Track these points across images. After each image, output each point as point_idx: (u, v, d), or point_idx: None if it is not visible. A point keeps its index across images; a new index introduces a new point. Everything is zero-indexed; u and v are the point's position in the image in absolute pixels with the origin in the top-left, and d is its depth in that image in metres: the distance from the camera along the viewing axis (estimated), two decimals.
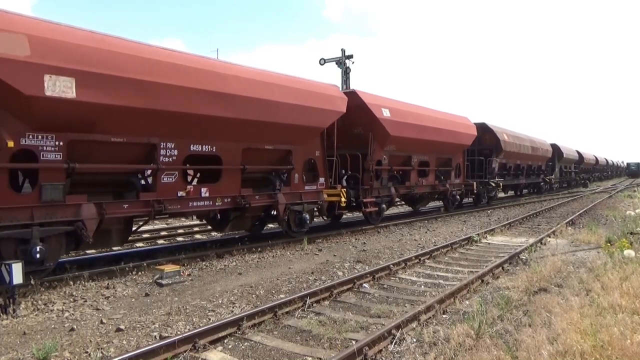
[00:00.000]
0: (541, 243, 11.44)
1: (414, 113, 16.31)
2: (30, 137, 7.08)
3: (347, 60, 26.81)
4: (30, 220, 7.11)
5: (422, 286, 7.79)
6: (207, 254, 9.89)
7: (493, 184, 22.47)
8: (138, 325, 5.78)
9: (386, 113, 14.38)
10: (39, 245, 7.06)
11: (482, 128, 21.95)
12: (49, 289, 7.30)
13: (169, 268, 8.09)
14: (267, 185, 11.51)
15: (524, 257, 9.67)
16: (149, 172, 9.07)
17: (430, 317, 5.96)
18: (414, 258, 9.47)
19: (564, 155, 37.09)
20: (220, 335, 5.29)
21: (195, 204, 9.48)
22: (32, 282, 7.17)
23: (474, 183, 20.91)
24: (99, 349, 5.03)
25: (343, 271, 8.81)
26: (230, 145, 9.93)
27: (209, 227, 12.87)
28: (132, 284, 7.84)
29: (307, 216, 12.09)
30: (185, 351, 4.87)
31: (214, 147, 9.64)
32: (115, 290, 7.39)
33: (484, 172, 22.08)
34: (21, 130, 6.97)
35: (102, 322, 5.86)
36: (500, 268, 8.70)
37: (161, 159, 8.76)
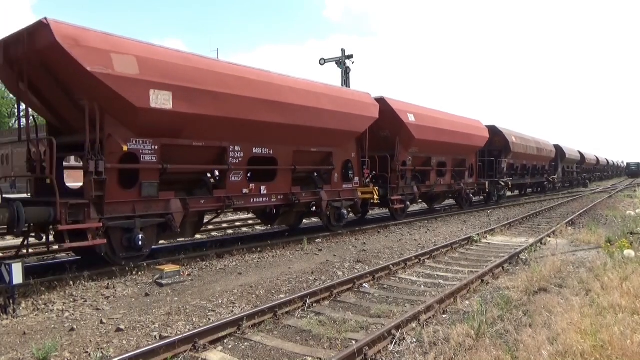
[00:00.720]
0: (541, 243, 11.44)
1: (434, 117, 17.57)
2: (134, 142, 8.40)
3: (347, 60, 26.86)
4: (133, 212, 8.47)
5: (422, 286, 7.79)
6: (207, 254, 9.89)
7: (502, 183, 23.68)
8: (138, 325, 5.78)
9: (411, 118, 15.77)
10: (140, 234, 8.45)
11: (492, 130, 23.09)
12: (49, 289, 7.30)
13: (169, 268, 8.09)
14: (310, 183, 12.88)
15: (524, 257, 9.67)
16: (217, 172, 10.49)
17: (430, 317, 5.96)
18: (414, 258, 9.47)
19: (567, 156, 38.26)
20: (220, 335, 5.29)
21: (255, 200, 10.88)
22: (32, 282, 7.18)
23: (487, 182, 22.05)
24: (99, 349, 5.03)
25: (343, 271, 8.81)
26: (284, 148, 11.34)
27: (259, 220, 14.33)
28: (132, 284, 7.84)
29: (345, 212, 13.50)
30: (185, 351, 4.87)
31: (271, 150, 11.05)
32: (115, 290, 7.39)
33: (494, 172, 23.25)
34: (128, 137, 8.29)
35: (102, 322, 5.86)
36: (500, 268, 8.70)
37: (230, 160, 10.10)
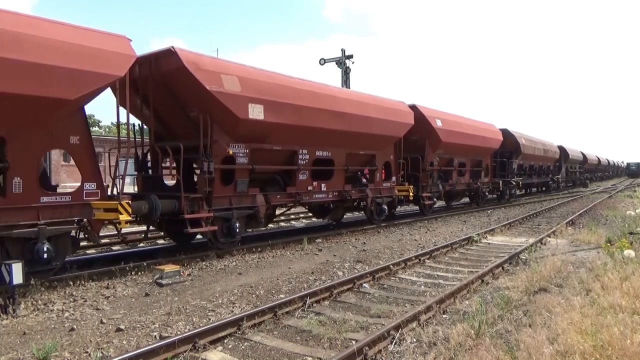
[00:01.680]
0: (541, 243, 11.44)
1: (458, 122, 19.38)
2: (233, 146, 10.15)
3: (347, 60, 26.83)
4: (230, 205, 10.23)
5: (422, 286, 7.79)
6: (207, 254, 9.89)
7: (514, 183, 25.51)
8: (138, 325, 5.77)
9: (439, 123, 17.54)
10: (237, 223, 10.22)
11: (505, 133, 24.81)
12: (49, 289, 7.30)
13: (169, 268, 8.09)
14: (356, 182, 14.79)
15: (524, 257, 9.67)
16: (287, 172, 12.20)
17: (430, 317, 5.96)
18: (414, 258, 9.47)
19: (570, 157, 39.77)
20: (220, 335, 5.29)
21: (317, 195, 12.67)
22: (32, 281, 7.17)
23: (500, 181, 23.89)
24: (99, 349, 5.03)
25: (343, 271, 8.81)
26: (339, 151, 13.17)
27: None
28: (132, 284, 7.84)
29: (385, 207, 15.23)
30: (185, 351, 4.87)
31: (330, 153, 12.85)
32: (115, 290, 7.39)
33: (506, 172, 24.86)
34: (229, 142, 10.08)
35: (102, 322, 5.85)
36: (500, 268, 8.70)
37: (299, 161, 11.91)
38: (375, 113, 13.98)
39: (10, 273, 6.23)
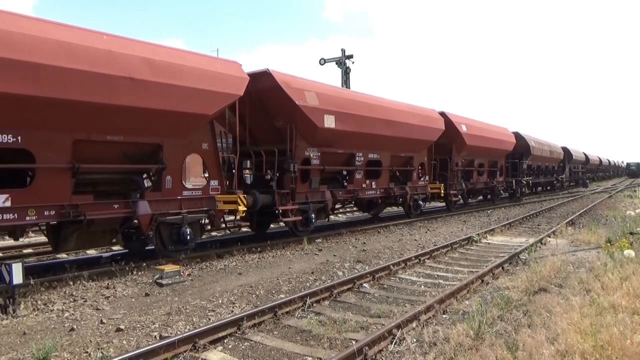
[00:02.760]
0: (541, 243, 11.44)
1: (479, 127, 21.38)
2: (308, 150, 12.19)
3: (347, 60, 26.81)
4: (306, 199, 12.25)
5: (422, 286, 7.79)
6: (207, 254, 9.89)
7: (524, 182, 27.34)
8: (138, 325, 5.77)
9: (464, 128, 19.57)
10: (313, 214, 12.41)
11: (516, 136, 26.53)
12: (49, 289, 7.30)
13: (169, 268, 8.09)
14: (397, 181, 16.54)
15: (524, 257, 9.67)
16: (345, 171, 14.36)
17: (430, 317, 5.96)
18: (414, 258, 9.47)
19: (573, 157, 41.73)
20: (220, 335, 5.29)
21: (368, 192, 14.71)
22: (32, 282, 7.18)
23: (513, 181, 25.84)
24: (99, 349, 5.03)
25: (343, 271, 8.81)
26: (386, 153, 15.31)
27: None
28: (132, 284, 7.84)
29: (421, 203, 17.60)
30: (185, 351, 4.87)
31: (378, 155, 14.96)
32: (115, 290, 7.39)
33: (517, 172, 26.74)
34: (306, 147, 12.13)
35: (102, 322, 5.85)
36: (500, 268, 8.70)
37: (356, 163, 14.01)
38: (414, 120, 16.09)
39: (10, 273, 6.22)
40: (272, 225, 14.01)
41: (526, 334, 4.92)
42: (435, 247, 10.68)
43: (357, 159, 14.04)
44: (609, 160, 74.84)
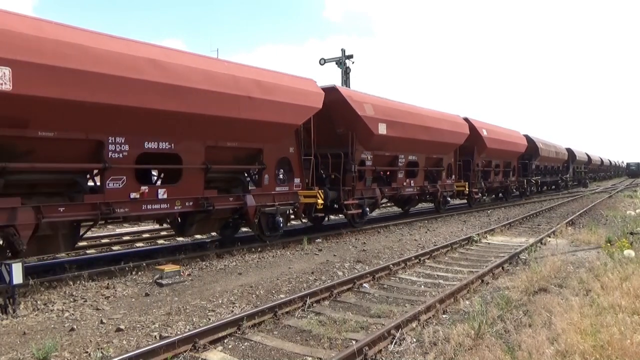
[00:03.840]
0: (541, 243, 11.44)
1: (497, 131, 23.65)
2: (364, 153, 14.29)
3: (347, 60, 26.77)
4: (362, 195, 14.32)
5: (422, 286, 7.79)
6: (207, 254, 9.89)
7: (534, 181, 29.60)
8: (138, 325, 5.77)
9: (485, 132, 21.74)
10: (367, 208, 14.58)
11: (526, 138, 28.54)
12: (49, 289, 7.30)
13: (169, 268, 8.09)
14: (428, 179, 18.30)
15: (524, 257, 9.67)
16: (389, 172, 16.55)
17: (430, 317, 5.96)
18: (414, 258, 9.47)
19: (577, 158, 43.88)
20: (220, 335, 5.29)
21: (407, 190, 16.80)
22: (32, 282, 7.18)
23: (525, 180, 28.03)
24: (99, 349, 5.03)
25: (343, 271, 8.81)
26: (422, 155, 17.42)
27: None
28: (132, 284, 7.84)
29: (450, 199, 19.80)
30: (185, 351, 4.87)
31: (416, 157, 17.05)
32: (115, 290, 7.39)
33: (527, 172, 28.78)
34: (362, 150, 14.18)
35: (102, 322, 5.85)
36: (500, 268, 8.70)
37: (399, 163, 16.11)
38: (445, 125, 18.15)
39: (10, 273, 6.22)
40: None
41: (526, 334, 4.92)
42: (435, 247, 10.68)
43: (399, 160, 16.07)
44: (609, 161, 76.54)
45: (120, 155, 8.21)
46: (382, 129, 14.20)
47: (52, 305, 6.55)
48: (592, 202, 24.58)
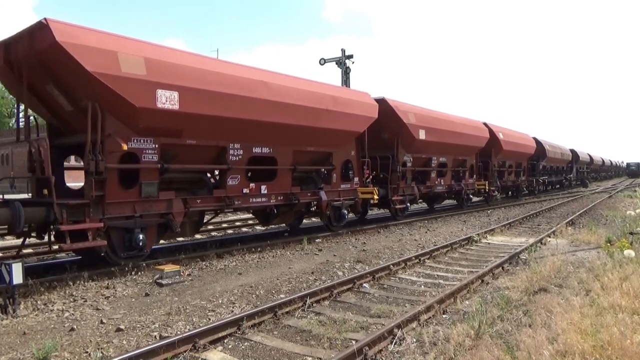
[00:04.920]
0: (541, 243, 11.44)
1: (511, 134, 26.13)
2: (406, 156, 16.39)
3: (347, 60, 26.77)
4: (404, 193, 16.55)
5: (422, 286, 7.79)
6: (207, 254, 9.89)
7: (541, 181, 32.43)
8: (138, 325, 5.78)
9: (501, 136, 24.10)
10: (408, 203, 16.97)
11: (535, 141, 30.73)
12: (49, 289, 7.30)
13: (169, 268, 8.09)
14: (454, 179, 20.45)
15: (524, 257, 9.67)
16: (444, 170, 19.29)
17: (430, 317, 5.96)
18: (414, 258, 9.47)
19: (580, 159, 46.32)
20: (220, 335, 5.29)
21: (438, 188, 19.15)
22: (31, 282, 7.18)
23: (534, 180, 30.62)
24: (99, 349, 5.03)
25: (343, 271, 8.81)
26: (450, 157, 19.55)
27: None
28: (132, 284, 7.84)
29: (472, 196, 22.42)
30: (185, 351, 4.87)
31: (446, 159, 19.42)
32: (115, 290, 7.39)
33: (535, 172, 31.19)
34: (404, 153, 16.30)
35: (102, 322, 5.86)
36: (500, 268, 8.70)
37: (432, 164, 18.33)
38: (469, 130, 20.51)
39: (10, 273, 6.22)
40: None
41: (526, 334, 4.91)
42: (435, 247, 10.68)
43: (432, 161, 18.17)
44: (610, 161, 78.62)
45: (237, 158, 10.31)
46: (422, 135, 16.44)
47: (52, 305, 6.56)
48: (592, 202, 24.58)
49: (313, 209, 13.09)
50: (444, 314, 6.20)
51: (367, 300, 6.98)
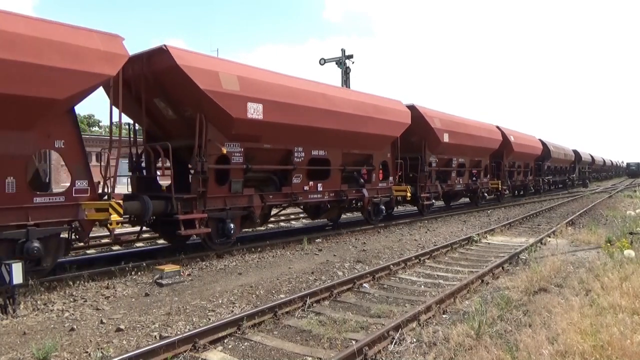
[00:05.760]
0: (541, 243, 11.43)
1: (521, 137, 27.91)
2: (432, 157, 17.91)
3: (347, 60, 26.76)
4: (429, 191, 17.88)
5: (422, 286, 7.79)
6: (207, 254, 9.88)
7: (546, 180, 34.38)
8: (138, 325, 5.77)
9: (512, 138, 25.64)
10: (433, 200, 18.40)
11: (541, 142, 32.23)
12: (49, 289, 7.30)
13: (169, 268, 8.09)
14: (471, 178, 22.21)
15: (524, 257, 9.67)
16: (463, 170, 20.91)
17: (430, 317, 5.96)
18: (414, 258, 9.47)
19: (582, 159, 47.82)
20: (220, 335, 5.29)
21: (457, 187, 20.68)
22: (31, 282, 7.18)
23: (540, 179, 32.34)
24: (99, 348, 5.03)
25: (343, 271, 8.81)
26: (468, 158, 21.22)
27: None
28: (132, 284, 7.84)
29: (486, 195, 24.26)
30: (185, 351, 4.87)
31: (464, 160, 21.06)
32: (115, 290, 7.39)
33: (541, 172, 32.67)
34: (430, 155, 17.81)
35: (102, 322, 5.86)
36: (500, 268, 8.69)
37: (453, 164, 20.11)
38: (484, 133, 22.06)
39: (10, 273, 6.23)
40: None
41: (526, 334, 4.91)
42: (435, 247, 10.68)
43: (453, 162, 19.82)
44: (611, 161, 79.69)
45: (300, 159, 11.99)
46: (446, 138, 17.98)
47: (52, 305, 6.56)
48: (592, 202, 24.58)
49: (354, 204, 14.85)
50: (443, 314, 6.20)
51: (367, 300, 6.98)
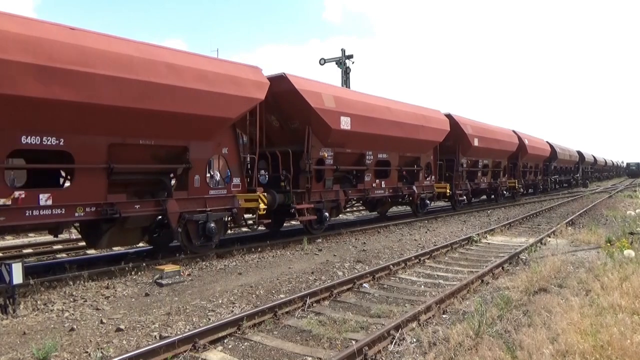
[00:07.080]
0: (541, 243, 11.43)
1: (533, 139, 30.32)
2: (463, 159, 20.81)
3: (347, 60, 26.77)
4: (461, 189, 20.85)
5: (422, 286, 7.79)
6: (207, 254, 9.89)
7: (553, 179, 36.94)
8: (138, 325, 5.78)
9: (527, 141, 28.01)
10: (465, 197, 21.74)
11: (549, 145, 34.68)
12: (49, 289, 7.31)
13: (169, 268, 8.09)
14: (493, 177, 24.56)
15: (524, 257, 9.67)
16: (486, 170, 23.55)
17: (430, 317, 5.96)
18: (414, 258, 9.47)
19: (585, 159, 50.29)
20: (220, 335, 5.29)
21: (482, 185, 23.58)
22: (32, 282, 7.18)
23: (548, 179, 35.25)
24: (99, 348, 5.03)
25: (343, 271, 8.81)
26: (490, 160, 23.97)
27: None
28: (132, 284, 7.84)
29: (506, 193, 26.96)
30: (185, 351, 4.87)
31: (488, 161, 23.73)
32: (115, 290, 7.39)
33: (548, 172, 35.40)
34: (461, 157, 20.51)
35: (102, 322, 5.86)
36: (500, 268, 8.69)
37: (479, 165, 22.87)
38: (505, 137, 24.77)
39: (10, 273, 6.23)
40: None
41: (526, 334, 4.91)
42: (435, 247, 10.68)
43: (479, 164, 22.64)
44: (612, 161, 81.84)
45: (370, 161, 14.66)
46: (476, 142, 21.02)
47: (52, 305, 6.56)
48: (592, 202, 24.57)
49: (404, 199, 17.08)
50: (443, 314, 6.20)
51: (367, 300, 6.98)
